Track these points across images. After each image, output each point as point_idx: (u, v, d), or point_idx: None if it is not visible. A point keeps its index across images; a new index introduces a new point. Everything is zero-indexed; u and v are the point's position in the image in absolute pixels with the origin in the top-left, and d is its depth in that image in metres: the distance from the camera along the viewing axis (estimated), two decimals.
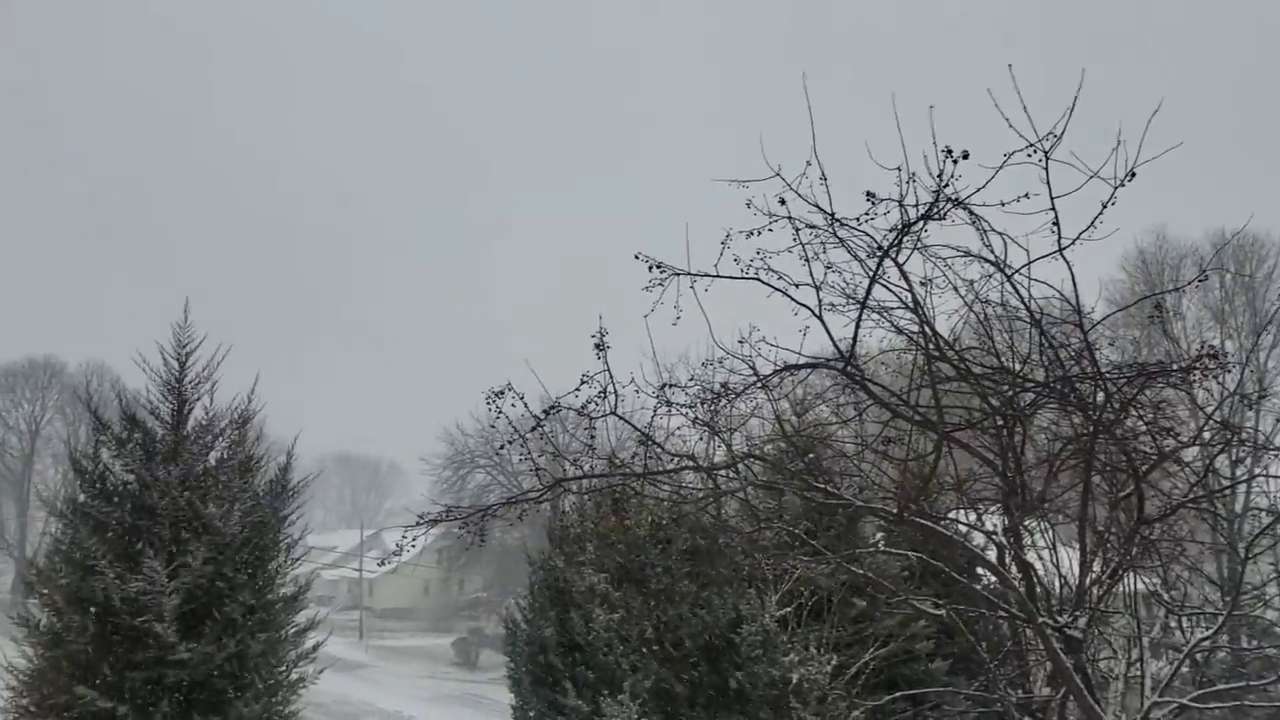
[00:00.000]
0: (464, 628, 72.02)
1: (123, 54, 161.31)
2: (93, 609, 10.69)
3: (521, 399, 7.81)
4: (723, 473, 10.01)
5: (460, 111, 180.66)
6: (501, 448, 8.42)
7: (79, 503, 11.33)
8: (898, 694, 12.91)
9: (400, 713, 41.36)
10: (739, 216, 7.54)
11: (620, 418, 8.16)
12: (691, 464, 9.39)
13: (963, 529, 10.55)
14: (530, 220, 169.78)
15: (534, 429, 7.83)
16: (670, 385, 8.86)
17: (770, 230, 7.58)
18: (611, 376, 7.88)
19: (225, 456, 12.01)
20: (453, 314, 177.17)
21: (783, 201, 7.39)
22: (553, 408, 7.91)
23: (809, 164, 7.23)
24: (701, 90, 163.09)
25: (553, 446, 8.48)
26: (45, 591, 11.06)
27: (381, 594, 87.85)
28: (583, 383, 7.76)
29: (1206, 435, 10.27)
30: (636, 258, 7.73)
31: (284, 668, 11.86)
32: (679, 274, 7.66)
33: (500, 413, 7.65)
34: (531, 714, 12.04)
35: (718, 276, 7.67)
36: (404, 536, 7.86)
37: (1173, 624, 10.81)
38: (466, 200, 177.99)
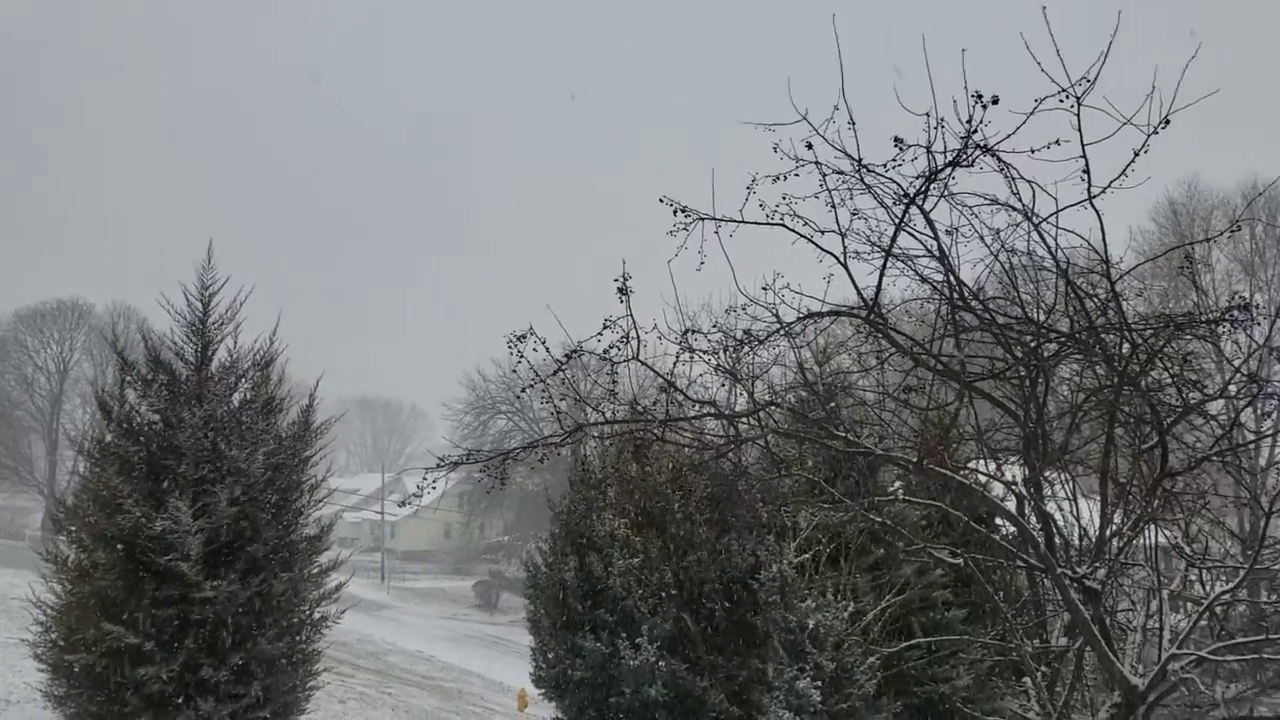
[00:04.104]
0: (485, 571, 72.83)
1: None
2: (119, 546, 10.84)
3: (543, 343, 7.79)
4: (744, 420, 10.00)
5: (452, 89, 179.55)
6: (523, 391, 8.42)
7: (105, 442, 11.44)
8: (913, 641, 12.99)
9: (421, 652, 41.95)
10: (765, 161, 7.45)
11: (642, 363, 8.15)
12: (713, 411, 9.39)
13: (982, 479, 10.54)
14: (547, 167, 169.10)
15: (555, 373, 7.82)
16: (693, 332, 8.82)
17: (797, 175, 7.49)
18: (634, 321, 7.85)
19: (249, 398, 12.08)
20: (477, 260, 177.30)
21: (809, 146, 7.28)
22: (574, 352, 7.88)
23: (836, 108, 7.12)
24: (728, 33, 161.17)
25: (574, 391, 8.49)
26: (73, 529, 11.22)
27: (403, 537, 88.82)
28: (605, 328, 7.73)
29: (1233, 388, 10.16)
30: (661, 201, 7.67)
31: (307, 607, 12.01)
32: (703, 218, 7.59)
33: (521, 357, 7.64)
34: (550, 656, 12.17)
35: (742, 222, 7.60)
36: (424, 479, 7.91)
37: (1192, 577, 10.79)
38: (485, 150, 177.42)
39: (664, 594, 12.08)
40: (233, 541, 11.16)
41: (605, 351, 7.83)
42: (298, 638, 11.83)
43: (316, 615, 12.13)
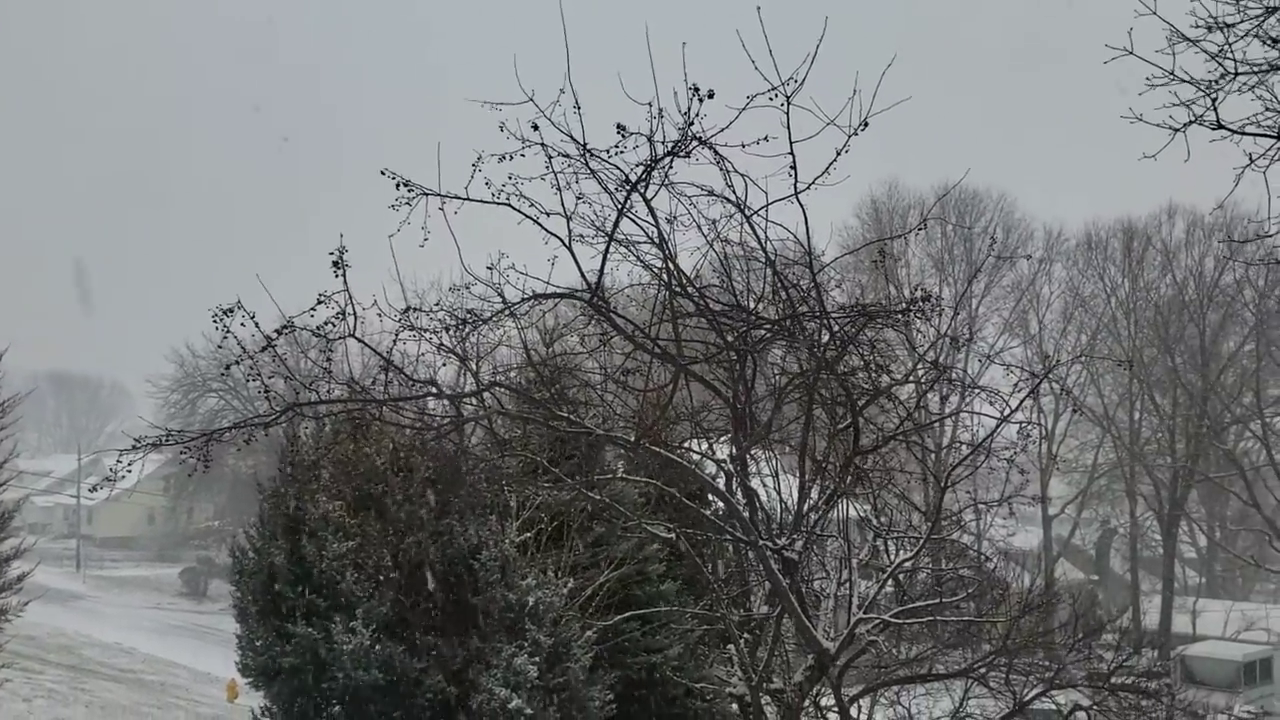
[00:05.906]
0: (193, 557, 69.03)
1: None
2: None
3: (253, 318, 7.42)
4: (468, 401, 9.95)
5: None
6: (228, 368, 7.99)
7: None
8: (629, 614, 13.41)
9: (121, 644, 39.30)
10: (492, 139, 7.43)
11: (359, 340, 7.93)
12: (434, 391, 9.29)
13: (696, 457, 10.99)
14: (265, 129, 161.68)
15: (264, 349, 7.46)
16: (414, 309, 8.68)
17: (523, 156, 7.52)
18: (351, 297, 7.63)
19: None
20: (186, 226, 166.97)
21: (535, 128, 7.33)
22: (285, 327, 7.54)
23: (563, 91, 7.19)
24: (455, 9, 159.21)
25: (285, 369, 8.13)
26: None
27: (102, 522, 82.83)
28: (319, 303, 7.46)
29: (919, 373, 11.09)
30: (383, 174, 7.50)
31: None
32: (428, 194, 7.48)
33: (229, 332, 7.25)
34: (258, 644, 11.65)
35: (467, 199, 7.54)
36: (118, 461, 7.38)
37: (880, 547, 11.70)
38: (191, 103, 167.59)
39: (382, 577, 11.85)
40: None
41: (319, 328, 7.57)
42: None
43: None
